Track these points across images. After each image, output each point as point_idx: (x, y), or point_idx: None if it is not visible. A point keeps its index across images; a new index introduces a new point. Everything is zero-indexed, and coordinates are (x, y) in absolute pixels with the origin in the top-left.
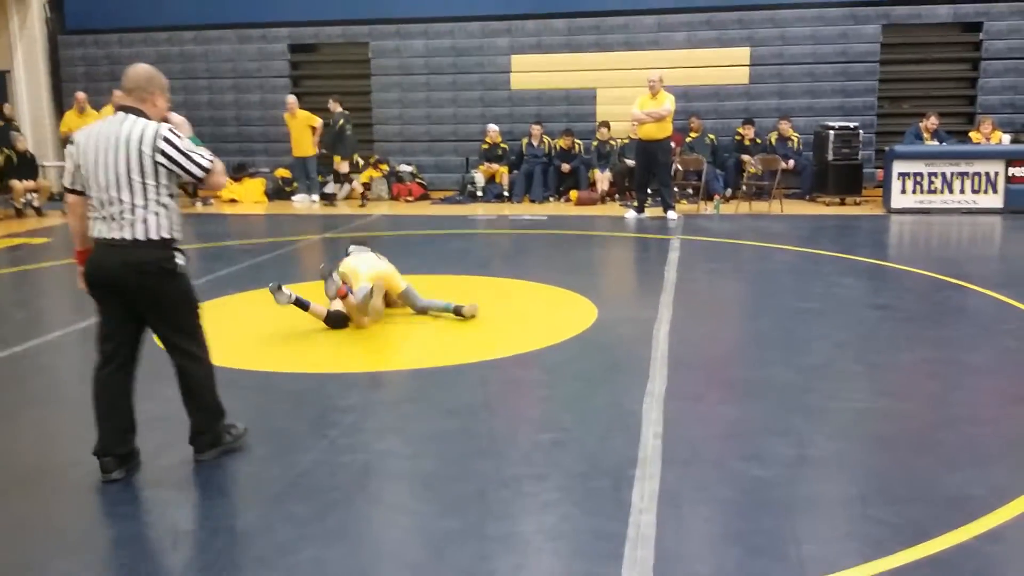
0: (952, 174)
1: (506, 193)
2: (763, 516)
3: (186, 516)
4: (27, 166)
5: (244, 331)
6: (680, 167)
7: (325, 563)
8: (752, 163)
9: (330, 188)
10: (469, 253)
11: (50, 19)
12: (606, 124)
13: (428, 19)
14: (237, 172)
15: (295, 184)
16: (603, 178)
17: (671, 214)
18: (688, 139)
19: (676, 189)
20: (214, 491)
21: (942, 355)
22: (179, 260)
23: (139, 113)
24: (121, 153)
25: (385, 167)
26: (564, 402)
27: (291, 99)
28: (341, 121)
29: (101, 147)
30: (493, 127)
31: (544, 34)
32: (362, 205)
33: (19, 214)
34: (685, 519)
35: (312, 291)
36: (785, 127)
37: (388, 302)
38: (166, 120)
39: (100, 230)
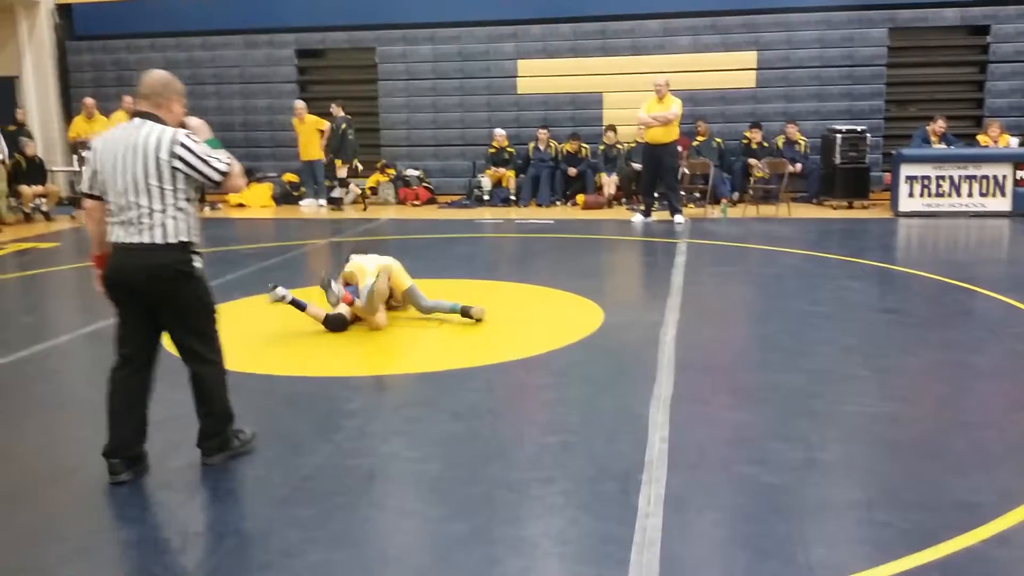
0: (960, 177)
1: (513, 197)
2: (770, 520)
3: (193, 519)
4: (36, 171)
5: (250, 334)
6: (687, 171)
7: (331, 567)
8: (759, 167)
9: (337, 192)
10: (476, 257)
11: (59, 25)
12: (612, 128)
13: (435, 24)
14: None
15: (303, 189)
16: (610, 182)
17: (678, 218)
18: (695, 143)
19: (683, 193)
20: (221, 494)
21: (950, 359)
22: (197, 263)
23: (156, 119)
24: (139, 159)
25: (392, 171)
26: (571, 406)
27: (300, 104)
28: (343, 126)
29: (119, 153)
30: (500, 131)
31: (550, 39)
32: (364, 208)
33: (28, 219)
34: (692, 523)
35: (317, 296)
36: (792, 131)
37: (391, 305)
38: (183, 124)
39: (119, 235)
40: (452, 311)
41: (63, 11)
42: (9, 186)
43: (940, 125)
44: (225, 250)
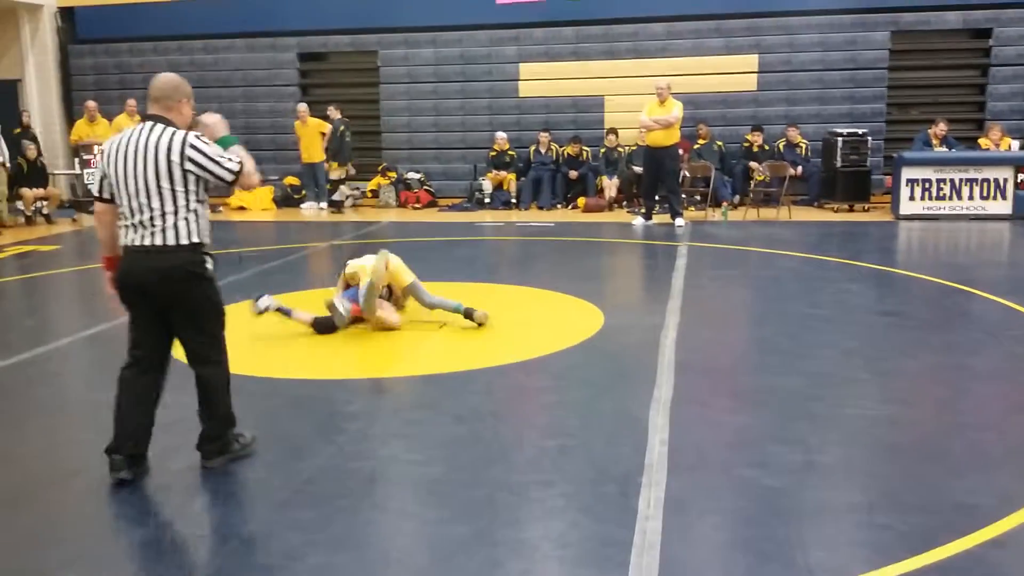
0: (961, 180)
1: (514, 200)
2: (770, 523)
3: (194, 522)
4: (37, 174)
5: (251, 337)
6: (688, 174)
7: (332, 570)
8: (760, 170)
9: (338, 195)
10: (476, 260)
11: (61, 28)
12: (614, 131)
13: (436, 28)
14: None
15: (304, 192)
16: (611, 185)
17: (679, 221)
18: (696, 146)
19: (684, 196)
20: (221, 497)
21: (950, 362)
22: (208, 265)
23: (166, 121)
24: (150, 162)
25: (393, 174)
26: (571, 408)
27: (302, 107)
28: (342, 128)
29: (130, 156)
30: (501, 135)
31: (552, 42)
32: (331, 211)
33: (29, 222)
34: (692, 526)
35: (321, 298)
36: (793, 134)
37: (395, 303)
38: (197, 122)
39: (131, 237)
40: (455, 311)
41: (66, 14)
42: (11, 189)
43: (941, 128)
44: (224, 252)
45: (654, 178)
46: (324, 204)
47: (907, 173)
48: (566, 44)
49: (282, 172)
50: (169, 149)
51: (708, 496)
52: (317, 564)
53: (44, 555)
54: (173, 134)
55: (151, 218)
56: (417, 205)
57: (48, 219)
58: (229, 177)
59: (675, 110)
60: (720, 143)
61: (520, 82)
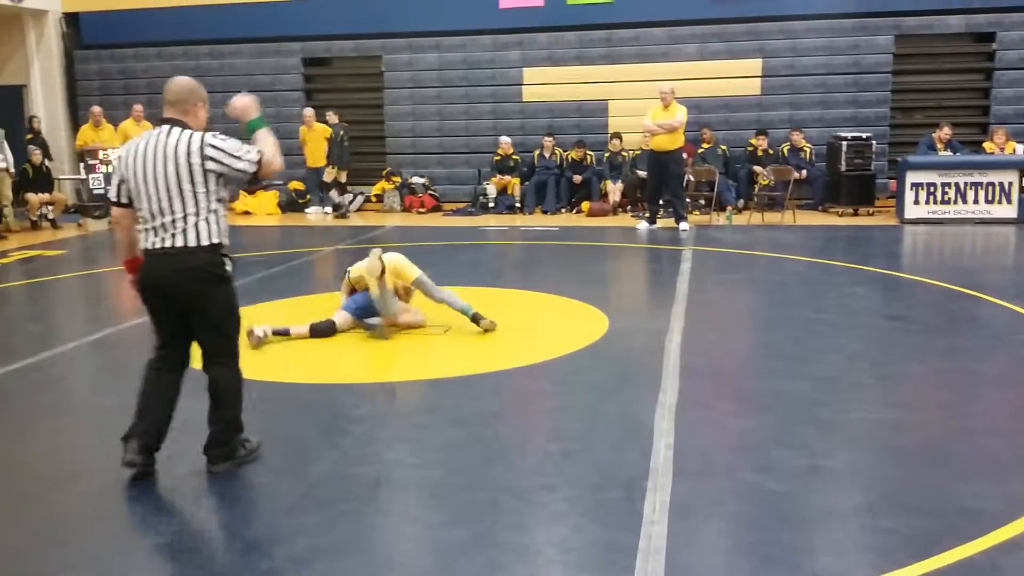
0: (966, 184)
1: (518, 204)
2: (775, 527)
3: (198, 526)
4: (42, 179)
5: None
6: (692, 178)
7: (337, 574)
8: (764, 174)
9: (336, 199)
10: (481, 264)
11: (66, 34)
12: (618, 135)
13: (440, 33)
14: (250, 185)
15: (308, 197)
16: (615, 189)
17: (683, 225)
18: (700, 150)
19: (688, 200)
20: (227, 501)
21: (955, 366)
22: (228, 266)
23: (183, 125)
24: (170, 165)
25: (397, 179)
26: (575, 412)
27: (308, 112)
28: (341, 133)
29: (149, 160)
30: (505, 139)
31: (556, 47)
32: (344, 215)
33: (34, 226)
34: (697, 530)
35: (325, 303)
36: (797, 138)
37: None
38: (225, 106)
39: (151, 241)
40: (463, 312)
41: (71, 20)
42: (16, 194)
43: (946, 132)
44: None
45: (658, 182)
46: (329, 209)
47: (912, 177)
48: (570, 49)
49: (287, 177)
50: (189, 151)
51: (713, 500)
52: (322, 568)
53: (47, 557)
54: (191, 136)
55: (172, 221)
56: (421, 209)
57: (53, 224)
58: (251, 168)
59: (679, 114)
60: (724, 147)
61: (524, 86)
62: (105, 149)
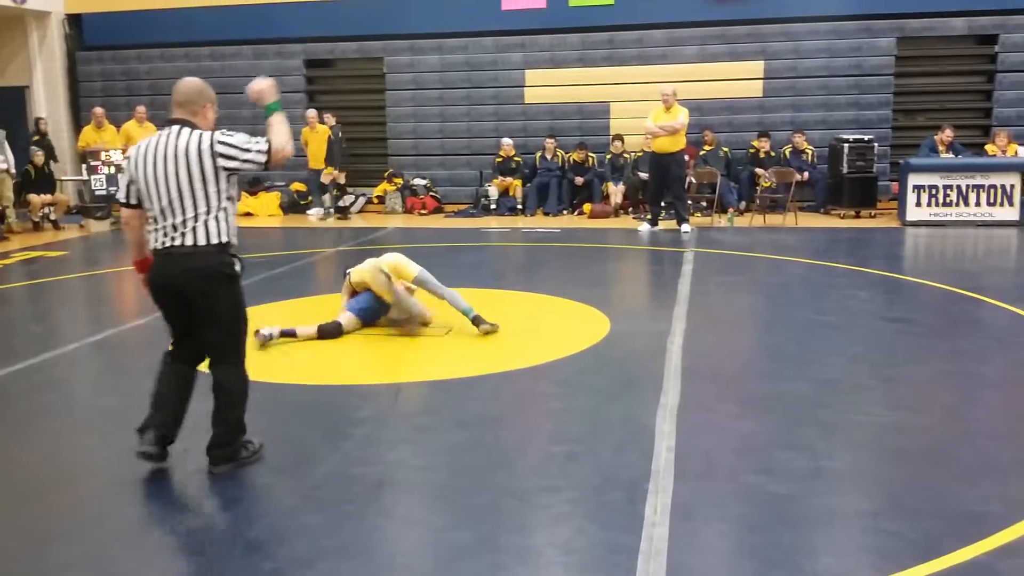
0: (968, 187)
1: (520, 206)
2: (777, 529)
3: (201, 527)
4: (44, 180)
5: (254, 346)
6: (694, 180)
7: (339, 575)
8: (766, 176)
9: (343, 201)
10: (482, 266)
11: (69, 35)
12: (619, 137)
13: (442, 35)
14: (252, 186)
15: (310, 198)
16: (617, 191)
17: (685, 227)
18: (702, 152)
19: (690, 202)
20: (229, 502)
21: (957, 368)
22: (237, 267)
23: (192, 125)
24: (181, 165)
25: (399, 180)
26: (577, 414)
27: (311, 113)
28: (339, 134)
29: (159, 161)
30: (507, 141)
31: (557, 49)
32: (337, 216)
33: (36, 227)
34: (698, 532)
35: (328, 304)
36: (799, 140)
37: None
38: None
39: (162, 240)
40: (464, 313)
41: (73, 21)
42: (18, 195)
43: (948, 134)
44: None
45: (660, 184)
46: (321, 210)
47: (914, 179)
48: (572, 51)
49: (288, 178)
50: (199, 150)
51: (715, 502)
52: (324, 569)
53: (49, 558)
54: (201, 135)
55: (183, 220)
56: (423, 211)
57: (55, 225)
58: (261, 159)
59: (681, 116)
60: (726, 149)
61: (526, 88)
62: (107, 150)
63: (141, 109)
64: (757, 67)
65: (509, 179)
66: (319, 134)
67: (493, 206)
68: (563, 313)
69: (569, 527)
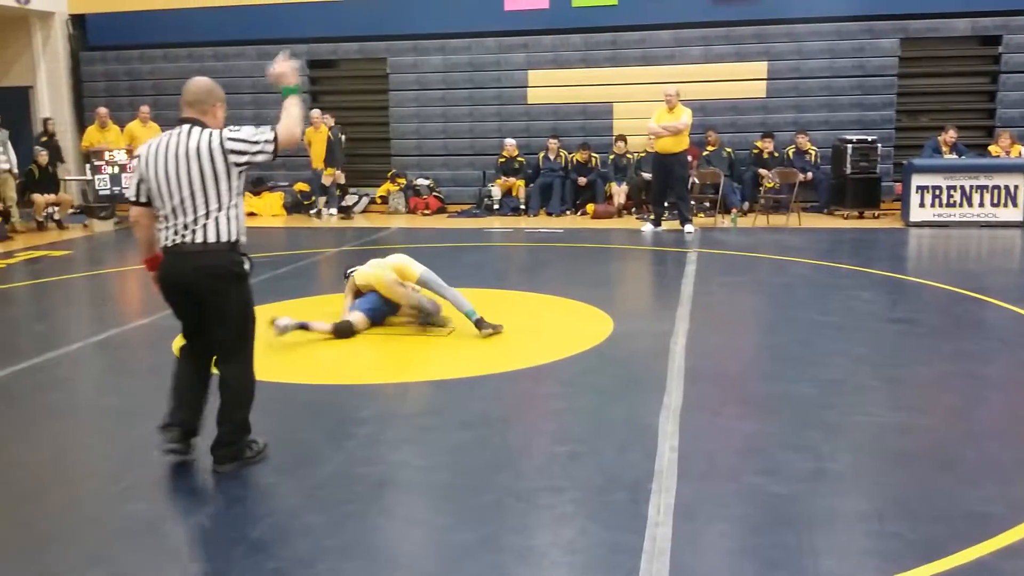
0: (971, 187)
1: (523, 206)
2: (779, 530)
3: (204, 526)
4: (48, 180)
5: (262, 342)
6: (697, 180)
7: (342, 575)
8: (769, 176)
9: (346, 201)
10: (485, 266)
11: (72, 35)
12: (623, 138)
13: (445, 35)
14: (256, 186)
15: (314, 198)
16: (620, 191)
17: (688, 227)
18: (705, 152)
19: (693, 202)
20: (232, 501)
21: (961, 369)
22: (246, 265)
23: (202, 124)
24: (193, 163)
25: (402, 180)
26: (580, 415)
27: (315, 113)
28: (339, 134)
29: (170, 160)
30: (510, 141)
31: (561, 49)
32: (340, 216)
33: (40, 227)
34: (701, 533)
35: (332, 304)
36: (802, 140)
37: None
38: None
39: (172, 239)
40: (467, 315)
41: (77, 21)
42: (22, 195)
43: (951, 135)
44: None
45: (663, 185)
46: (334, 210)
47: (917, 180)
48: (575, 51)
49: (292, 178)
50: (210, 148)
51: (718, 503)
52: (327, 569)
53: (53, 558)
54: (211, 134)
55: (194, 219)
56: (426, 211)
57: (59, 225)
58: (270, 148)
59: (684, 117)
60: (729, 150)
61: (529, 89)
62: (111, 150)
63: (145, 109)
64: (760, 68)
65: (512, 179)
66: (322, 134)
67: (496, 206)
68: (566, 313)
69: (572, 527)
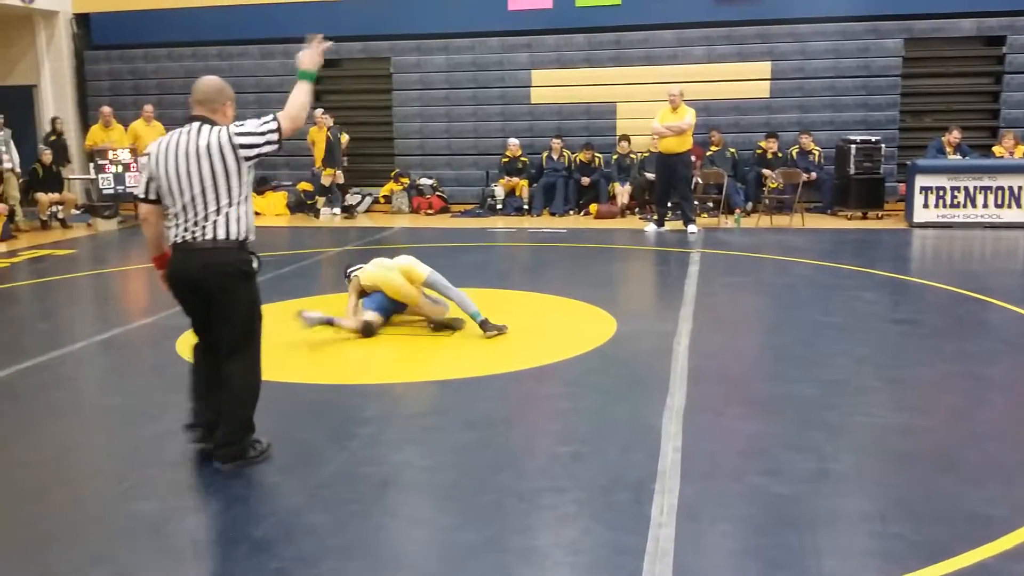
0: (975, 188)
1: (526, 206)
2: (782, 531)
3: (207, 525)
4: (52, 179)
5: (265, 342)
6: (700, 181)
7: (345, 574)
8: (773, 177)
9: (348, 200)
10: (488, 266)
11: (76, 35)
12: (626, 138)
13: (449, 35)
14: (259, 186)
15: (317, 197)
16: (623, 192)
17: (691, 228)
18: (708, 153)
19: (696, 203)
20: (235, 500)
21: (964, 370)
22: (254, 264)
23: (211, 122)
24: (204, 160)
25: (406, 180)
26: (583, 415)
27: (318, 112)
28: (339, 134)
29: (181, 157)
30: (513, 141)
31: (564, 49)
32: (344, 216)
33: (44, 226)
34: (704, 533)
35: (336, 304)
36: (806, 141)
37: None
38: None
39: (182, 236)
40: (472, 316)
41: (81, 20)
42: (26, 194)
43: (955, 136)
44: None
45: (666, 185)
46: (337, 210)
47: (921, 181)
48: (578, 51)
49: (295, 178)
50: (220, 143)
51: (721, 504)
52: (330, 569)
53: (55, 557)
54: (220, 131)
55: (205, 215)
56: (429, 211)
57: (63, 223)
58: (275, 137)
59: (687, 117)
60: (733, 150)
61: (532, 89)
62: (115, 149)
63: (148, 108)
64: (764, 68)
65: (515, 179)
66: (326, 134)
67: (499, 206)
68: (569, 314)
69: (575, 528)
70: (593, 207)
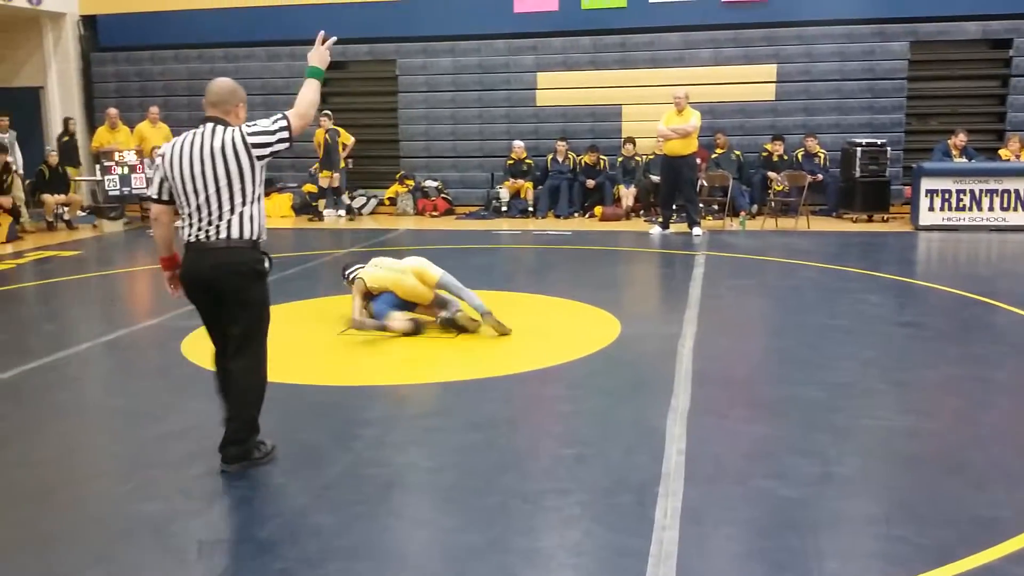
0: (981, 191)
1: (531, 208)
2: (786, 534)
3: (212, 527)
4: (58, 180)
5: (270, 343)
6: (706, 183)
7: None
8: (778, 179)
9: (356, 202)
10: (493, 268)
11: (83, 37)
12: (631, 140)
13: (454, 37)
14: (265, 188)
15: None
16: (628, 194)
17: (696, 230)
18: (714, 155)
19: (701, 205)
20: (239, 502)
21: (969, 373)
22: (266, 264)
23: (225, 123)
24: (219, 160)
25: (411, 182)
26: (588, 417)
27: (326, 114)
28: (337, 136)
29: (195, 158)
30: (518, 143)
31: (570, 51)
32: (348, 218)
33: (50, 227)
34: (708, 536)
35: (340, 305)
36: (812, 143)
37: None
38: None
39: (196, 235)
40: (478, 310)
41: (88, 22)
42: (32, 195)
43: (961, 139)
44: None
45: (671, 187)
46: (342, 211)
47: (927, 184)
48: (584, 53)
49: (300, 180)
50: (234, 144)
51: (725, 506)
52: (334, 570)
53: (61, 557)
54: (232, 131)
55: (219, 215)
56: (434, 213)
57: (69, 225)
58: (286, 134)
59: (693, 119)
60: (738, 152)
61: (538, 91)
62: (121, 151)
63: (154, 110)
64: (770, 71)
65: (520, 181)
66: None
67: (504, 208)
68: (574, 316)
69: (578, 530)
70: (598, 209)
